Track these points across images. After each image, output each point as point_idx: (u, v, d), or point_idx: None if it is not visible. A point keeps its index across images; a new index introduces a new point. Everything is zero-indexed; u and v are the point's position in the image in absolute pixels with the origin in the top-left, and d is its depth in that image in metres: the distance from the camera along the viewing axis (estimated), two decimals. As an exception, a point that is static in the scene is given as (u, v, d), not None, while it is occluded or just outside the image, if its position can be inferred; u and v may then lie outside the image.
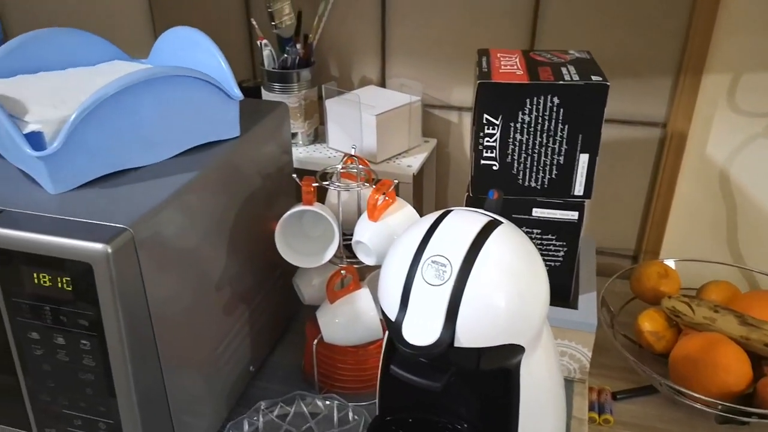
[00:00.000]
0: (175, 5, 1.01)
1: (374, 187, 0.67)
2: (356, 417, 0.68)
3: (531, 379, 0.50)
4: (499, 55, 0.73)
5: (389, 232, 0.65)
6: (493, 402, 0.54)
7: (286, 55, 0.90)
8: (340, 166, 0.68)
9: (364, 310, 0.68)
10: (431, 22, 0.92)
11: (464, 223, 0.47)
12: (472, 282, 0.44)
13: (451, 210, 0.50)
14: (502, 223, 0.48)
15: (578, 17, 0.86)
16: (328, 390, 0.74)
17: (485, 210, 0.50)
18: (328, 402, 0.70)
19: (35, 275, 0.51)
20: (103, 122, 0.54)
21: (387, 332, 0.56)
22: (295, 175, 0.68)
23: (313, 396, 0.70)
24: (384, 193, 0.65)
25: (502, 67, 0.69)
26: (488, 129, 0.68)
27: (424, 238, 0.47)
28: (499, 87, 0.66)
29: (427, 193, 1.01)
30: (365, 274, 0.73)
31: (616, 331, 0.80)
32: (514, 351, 0.47)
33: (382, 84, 0.99)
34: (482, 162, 0.70)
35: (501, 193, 0.52)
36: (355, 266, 0.70)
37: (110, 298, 0.50)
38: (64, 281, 0.50)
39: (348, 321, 0.69)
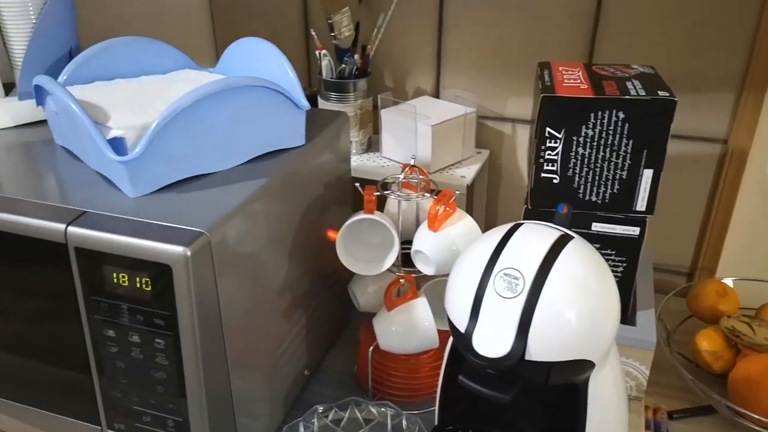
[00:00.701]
0: (236, 16, 1.04)
1: (434, 197, 0.67)
2: (411, 426, 0.69)
3: (598, 395, 0.50)
4: (561, 68, 0.73)
5: (449, 243, 0.66)
6: (557, 417, 0.54)
7: (344, 65, 0.92)
8: (402, 176, 0.69)
9: (421, 320, 0.69)
10: (487, 34, 0.93)
11: (536, 236, 0.48)
12: (545, 296, 0.45)
13: (521, 223, 0.50)
14: (574, 237, 0.48)
15: (638, 31, 0.85)
16: (380, 397, 0.75)
17: (555, 224, 0.50)
18: (382, 409, 0.71)
19: (115, 275, 0.53)
20: (182, 130, 0.56)
21: (450, 342, 0.57)
22: (357, 184, 0.69)
23: (367, 402, 0.71)
24: (445, 204, 0.66)
25: (566, 80, 0.69)
26: (550, 142, 0.68)
27: (495, 250, 0.47)
28: (563, 101, 0.66)
29: (478, 204, 1.01)
30: (421, 284, 0.74)
31: (672, 350, 0.78)
32: (584, 367, 0.47)
33: (436, 95, 0.99)
34: (542, 175, 0.70)
35: (570, 207, 0.52)
36: (413, 275, 0.70)
37: (186, 299, 0.52)
38: (143, 281, 0.52)
39: (404, 329, 0.69)
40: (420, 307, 0.69)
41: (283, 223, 0.65)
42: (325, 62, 0.92)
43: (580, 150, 0.68)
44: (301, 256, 0.69)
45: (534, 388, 0.49)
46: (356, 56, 0.92)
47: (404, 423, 0.70)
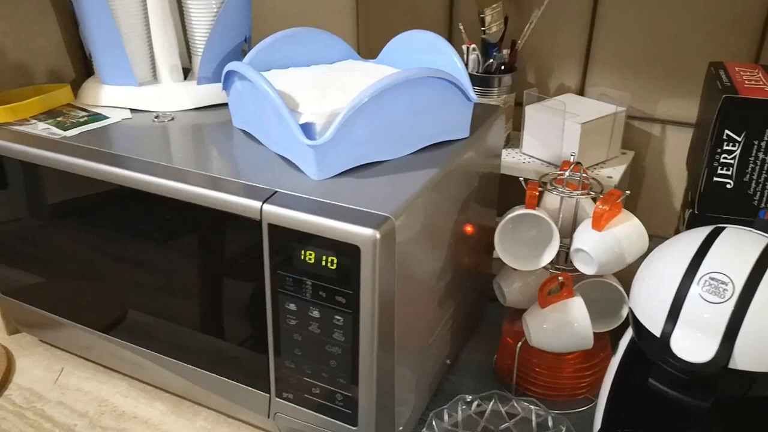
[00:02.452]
0: (379, 8, 1.07)
1: (599, 196, 0.66)
2: (558, 425, 0.68)
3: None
4: (737, 68, 0.70)
5: (613, 244, 0.65)
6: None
7: (491, 60, 0.92)
8: (567, 173, 0.69)
9: (577, 319, 0.68)
10: (642, 32, 0.90)
11: (744, 242, 0.46)
12: (756, 303, 0.43)
13: (723, 227, 0.48)
14: (783, 245, 0.46)
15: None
16: (521, 392, 0.75)
17: (756, 230, 0.48)
18: (527, 405, 0.71)
19: (302, 252, 0.56)
20: (366, 118, 0.59)
21: (626, 345, 0.56)
22: (522, 178, 0.70)
23: (511, 397, 0.71)
24: (611, 204, 0.65)
25: (746, 81, 0.66)
26: (728, 145, 0.65)
27: (697, 253, 0.46)
28: (747, 103, 0.63)
29: (616, 206, 0.98)
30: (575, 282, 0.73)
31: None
32: (790, 381, 0.45)
33: (581, 92, 0.97)
34: (715, 179, 0.67)
35: (772, 214, 0.50)
36: (569, 273, 0.70)
37: (370, 280, 0.54)
38: (329, 260, 0.55)
39: (557, 327, 0.69)
40: (576, 307, 0.68)
41: (443, 213, 0.66)
42: (473, 56, 0.92)
43: (761, 155, 0.64)
44: (455, 247, 0.70)
45: (723, 401, 0.47)
46: (505, 51, 0.92)
47: (550, 421, 0.69)
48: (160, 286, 0.67)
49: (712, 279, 0.44)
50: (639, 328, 0.49)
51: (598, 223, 0.65)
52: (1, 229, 0.75)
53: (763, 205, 0.66)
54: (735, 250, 0.45)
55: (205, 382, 0.69)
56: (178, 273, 0.65)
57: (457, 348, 0.80)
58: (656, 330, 0.46)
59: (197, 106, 0.77)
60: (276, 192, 0.58)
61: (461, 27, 0.94)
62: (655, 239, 0.72)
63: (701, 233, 0.48)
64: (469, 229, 0.73)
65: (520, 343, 0.72)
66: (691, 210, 0.70)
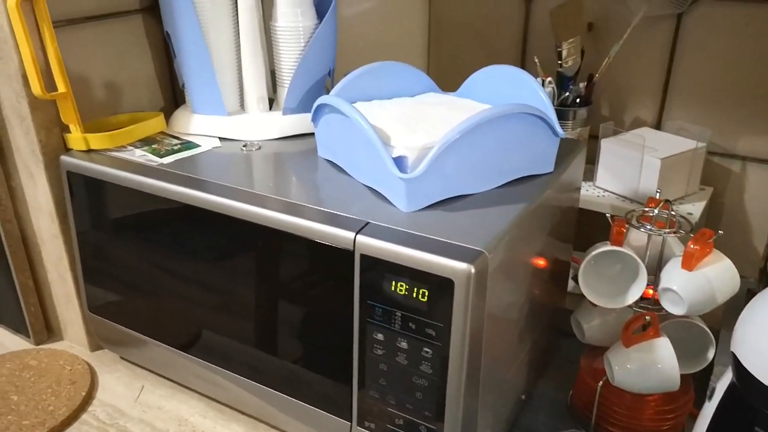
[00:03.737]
0: (451, 43, 1.08)
1: (690, 235, 0.65)
2: (642, 468, 0.66)
3: None
4: (835, 107, 0.68)
5: (704, 284, 0.63)
6: None
7: (567, 93, 0.92)
8: (656, 211, 0.68)
9: (663, 360, 0.66)
10: (723, 66, 0.89)
11: None
12: None
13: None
14: None
15: None
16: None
17: None
18: (607, 445, 0.69)
19: (394, 283, 0.57)
20: (457, 152, 0.60)
21: (724, 391, 0.54)
22: (608, 215, 0.69)
23: (590, 436, 0.70)
24: (702, 243, 0.64)
25: None
26: (827, 187, 0.63)
27: (810, 300, 0.45)
28: None
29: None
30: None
31: None
32: None
33: (657, 126, 0.96)
34: (811, 221, 0.65)
35: None
36: (656, 313, 0.68)
37: (462, 314, 0.54)
38: (421, 292, 0.56)
39: (643, 368, 0.67)
40: (663, 347, 0.66)
41: (527, 248, 0.66)
42: (548, 89, 0.92)
43: None
44: (535, 281, 0.70)
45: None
46: (581, 84, 0.92)
47: (632, 464, 0.68)
48: (244, 309, 0.69)
49: (830, 328, 0.43)
50: (743, 374, 0.47)
51: (689, 263, 0.64)
52: (91, 250, 0.79)
53: None
54: None
55: (284, 405, 0.70)
56: (264, 298, 0.67)
57: (532, 383, 0.79)
58: (764, 377, 0.45)
59: (282, 136, 0.80)
60: (368, 223, 0.59)
61: (536, 60, 0.95)
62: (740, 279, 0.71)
63: (814, 279, 0.46)
64: (548, 263, 0.73)
65: (601, 382, 0.70)
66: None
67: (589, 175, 0.95)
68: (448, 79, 1.13)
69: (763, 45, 0.85)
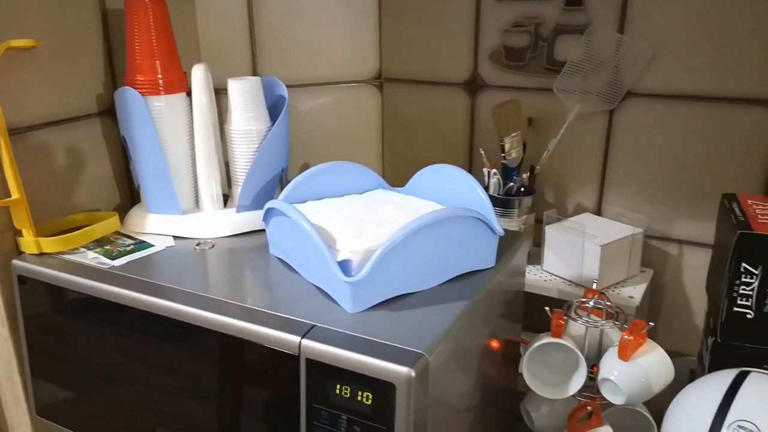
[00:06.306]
0: (404, 136, 1.14)
1: (624, 327, 0.68)
2: None
3: None
4: (750, 201, 0.74)
5: (640, 374, 0.66)
6: None
7: (512, 183, 0.97)
8: (591, 302, 0.71)
9: (608, 449, 0.68)
10: (654, 157, 0.95)
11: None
12: (788, 455, 0.44)
13: (748, 371, 0.50)
14: (809, 392, 0.48)
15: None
16: None
17: (781, 374, 0.50)
18: None
19: (338, 386, 0.58)
20: (401, 253, 0.62)
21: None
22: (547, 308, 0.72)
23: None
24: (636, 334, 0.67)
25: (760, 217, 0.70)
26: (746, 278, 0.68)
27: (724, 400, 0.48)
28: (761, 239, 0.66)
29: (639, 323, 1.00)
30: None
31: None
32: None
33: (598, 212, 1.02)
34: (735, 309, 0.69)
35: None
36: (597, 402, 0.70)
37: (405, 417, 0.55)
38: (364, 396, 0.57)
39: (589, 458, 0.69)
40: (606, 437, 0.68)
41: (473, 339, 0.68)
42: (494, 180, 0.97)
43: (779, 287, 0.67)
44: (484, 375, 0.72)
45: None
46: (524, 175, 0.97)
47: None
48: (193, 413, 0.69)
49: (740, 427, 0.46)
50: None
51: (624, 353, 0.66)
52: (41, 352, 0.78)
53: (785, 335, 0.68)
54: (760, 398, 0.47)
55: None
56: (213, 400, 0.67)
57: (486, 474, 0.80)
58: (690, 477, 0.47)
59: (236, 233, 0.82)
60: (314, 326, 0.61)
61: (482, 152, 1.00)
62: (678, 358, 0.74)
63: (725, 378, 0.49)
64: (496, 346, 0.75)
65: (550, 473, 0.71)
66: (713, 338, 0.71)
67: (537, 257, 0.99)
68: (401, 169, 1.19)
69: (687, 136, 0.92)
